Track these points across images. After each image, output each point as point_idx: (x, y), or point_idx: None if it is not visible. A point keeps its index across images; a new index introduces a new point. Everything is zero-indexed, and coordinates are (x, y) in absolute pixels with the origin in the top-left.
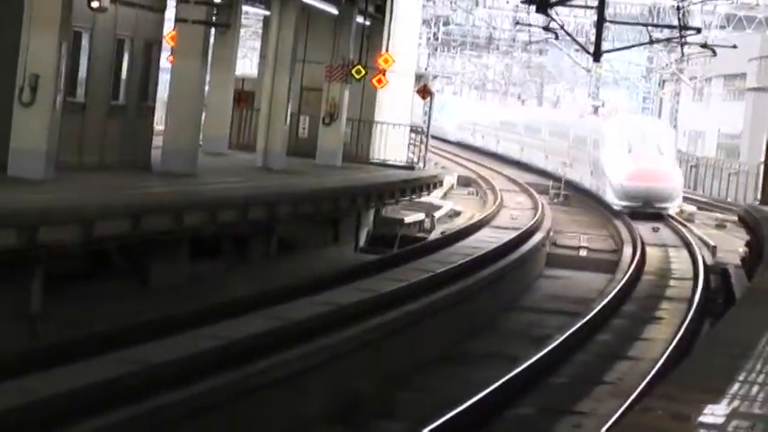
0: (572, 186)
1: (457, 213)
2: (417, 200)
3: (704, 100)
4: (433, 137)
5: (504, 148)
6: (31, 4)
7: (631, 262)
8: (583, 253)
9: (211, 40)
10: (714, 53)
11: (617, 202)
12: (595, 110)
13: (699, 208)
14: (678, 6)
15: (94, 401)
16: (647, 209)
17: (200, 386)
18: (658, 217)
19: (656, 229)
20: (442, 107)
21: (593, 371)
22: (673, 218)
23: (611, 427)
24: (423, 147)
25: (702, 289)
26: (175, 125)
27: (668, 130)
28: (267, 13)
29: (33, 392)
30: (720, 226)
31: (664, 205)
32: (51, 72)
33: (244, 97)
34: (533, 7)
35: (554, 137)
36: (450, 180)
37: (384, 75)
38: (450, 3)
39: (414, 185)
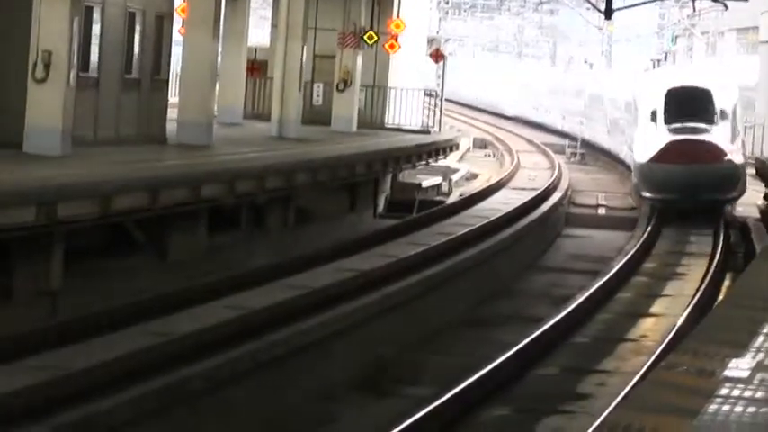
0: (588, 145)
1: (474, 176)
2: (434, 164)
3: (717, 54)
4: (451, 101)
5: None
6: None
7: (650, 219)
8: (601, 211)
9: (222, 10)
10: (726, 7)
11: (643, 193)
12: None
13: None
14: None
15: (124, 373)
16: (689, 203)
17: (222, 356)
18: (710, 216)
19: None
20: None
21: (615, 329)
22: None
23: (635, 384)
24: (437, 110)
25: (723, 244)
26: (189, 97)
27: (726, 85)
28: None
29: (65, 367)
30: None
31: (717, 197)
32: (64, 48)
33: (257, 67)
34: None
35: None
36: (466, 143)
37: (396, 40)
38: None
39: (430, 149)
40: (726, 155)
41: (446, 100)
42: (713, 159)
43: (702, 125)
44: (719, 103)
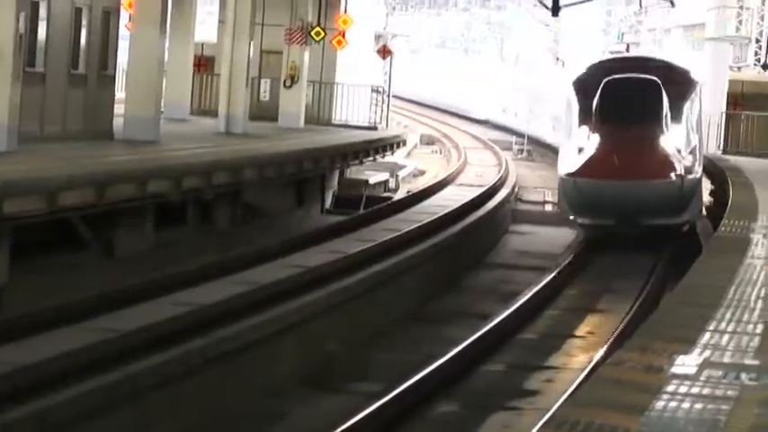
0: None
1: (421, 172)
2: (381, 160)
3: (664, 51)
4: (401, 98)
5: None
6: None
7: None
8: (548, 207)
9: (170, 6)
10: (672, 4)
11: (570, 214)
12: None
13: None
14: None
15: (76, 366)
16: (627, 229)
17: (171, 352)
18: (656, 244)
19: None
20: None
21: (563, 326)
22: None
23: (583, 380)
24: (384, 107)
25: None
26: (136, 93)
27: (681, 76)
28: None
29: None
30: None
31: (663, 221)
32: (9, 43)
33: (204, 63)
34: None
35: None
36: (413, 139)
37: (343, 36)
38: None
39: (377, 146)
40: (675, 167)
41: (393, 96)
42: (658, 173)
43: (645, 127)
44: (671, 98)
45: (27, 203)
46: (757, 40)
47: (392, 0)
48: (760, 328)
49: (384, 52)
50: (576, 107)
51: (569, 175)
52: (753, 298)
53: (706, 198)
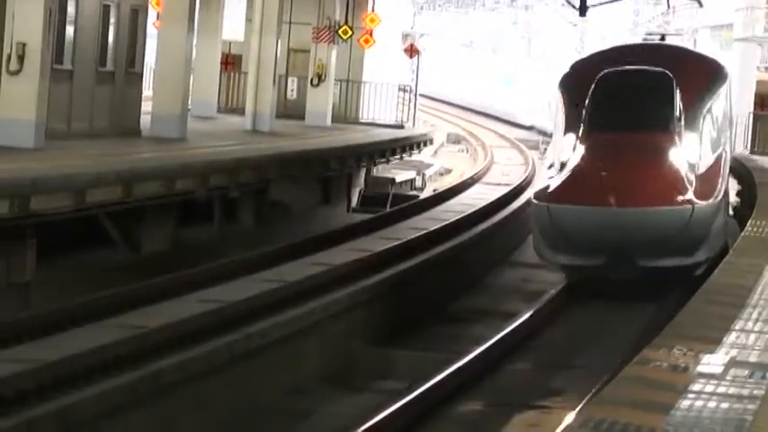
0: None
1: (448, 171)
2: (408, 158)
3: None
4: (426, 96)
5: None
6: None
7: None
8: None
9: (197, 3)
10: (700, 4)
11: (545, 254)
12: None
13: None
14: None
15: (100, 364)
16: (621, 273)
17: (197, 349)
18: (654, 289)
19: None
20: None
21: (588, 328)
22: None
23: (608, 380)
24: (411, 105)
25: None
26: (164, 90)
27: (702, 68)
28: None
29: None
30: None
31: (665, 262)
32: (38, 40)
33: (231, 61)
34: None
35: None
36: (440, 137)
37: (371, 34)
38: None
39: (403, 144)
40: (686, 189)
41: (420, 95)
42: (662, 197)
43: (649, 136)
44: (687, 96)
45: (54, 200)
46: None
47: None
48: None
49: (411, 51)
50: (561, 111)
51: (542, 199)
52: None
53: (733, 199)
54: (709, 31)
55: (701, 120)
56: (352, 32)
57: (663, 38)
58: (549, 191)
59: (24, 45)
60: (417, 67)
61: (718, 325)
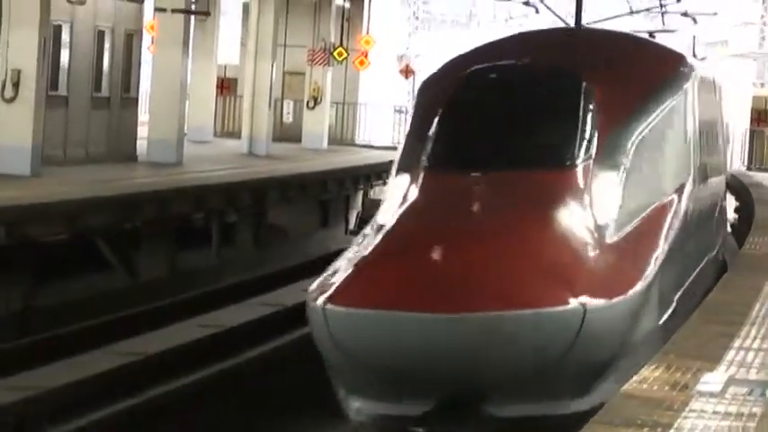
0: None
1: None
2: None
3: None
4: None
5: None
6: (10, 0)
7: None
8: None
9: (192, 28)
10: (695, 21)
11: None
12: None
13: None
14: None
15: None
16: (454, 424)
17: (196, 375)
18: None
19: None
20: None
21: None
22: None
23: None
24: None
25: None
26: (159, 115)
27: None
28: None
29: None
30: None
31: (529, 409)
32: (33, 67)
33: (227, 84)
34: None
35: None
36: None
37: (366, 56)
38: None
39: None
40: (574, 275)
41: None
42: (527, 293)
43: (525, 177)
44: (606, 110)
45: (50, 226)
46: None
47: (415, 20)
48: None
49: (407, 72)
50: (405, 136)
51: (317, 300)
52: None
53: (731, 215)
54: (705, 47)
55: (632, 147)
56: (348, 54)
57: (651, 35)
58: (332, 282)
59: (19, 72)
60: (413, 88)
61: (718, 342)
